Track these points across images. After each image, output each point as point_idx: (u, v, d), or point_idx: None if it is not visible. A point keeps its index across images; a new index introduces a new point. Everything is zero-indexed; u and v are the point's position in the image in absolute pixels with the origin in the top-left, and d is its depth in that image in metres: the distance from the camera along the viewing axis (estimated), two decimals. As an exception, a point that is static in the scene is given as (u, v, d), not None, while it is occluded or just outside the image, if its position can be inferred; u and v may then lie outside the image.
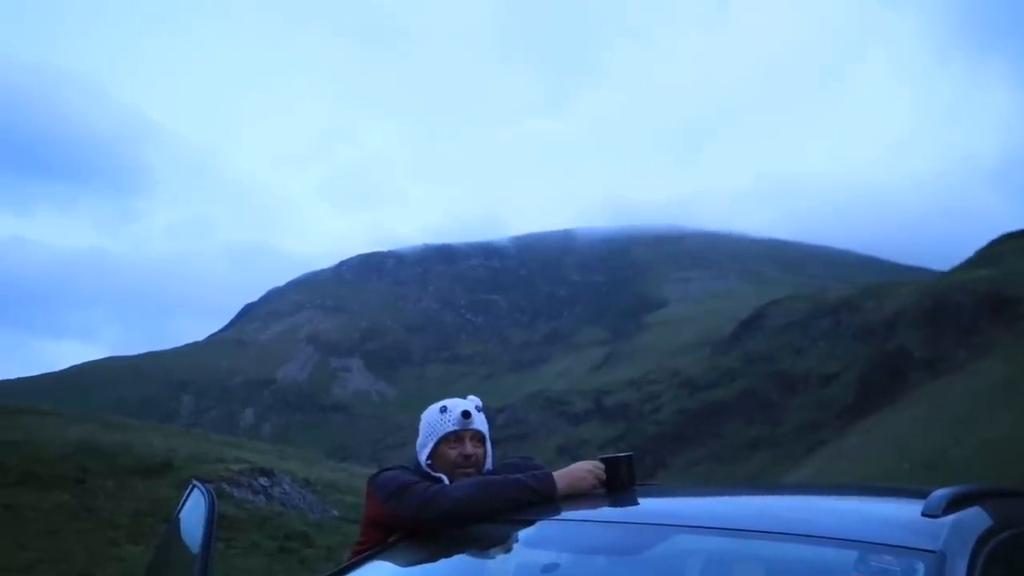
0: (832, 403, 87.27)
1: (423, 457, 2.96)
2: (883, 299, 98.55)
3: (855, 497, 2.69)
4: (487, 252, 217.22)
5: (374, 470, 3.18)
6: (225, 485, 14.08)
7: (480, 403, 3.09)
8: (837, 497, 2.68)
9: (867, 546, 1.86)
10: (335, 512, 15.32)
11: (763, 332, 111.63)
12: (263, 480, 15.12)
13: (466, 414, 2.96)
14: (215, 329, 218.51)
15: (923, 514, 1.97)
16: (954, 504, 2.01)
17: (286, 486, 15.43)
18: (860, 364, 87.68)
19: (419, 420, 3.10)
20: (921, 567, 1.77)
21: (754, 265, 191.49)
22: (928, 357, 77.79)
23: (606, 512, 2.48)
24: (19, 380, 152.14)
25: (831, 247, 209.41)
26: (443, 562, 2.50)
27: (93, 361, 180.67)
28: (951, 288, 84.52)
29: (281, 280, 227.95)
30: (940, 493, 2.05)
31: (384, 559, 2.56)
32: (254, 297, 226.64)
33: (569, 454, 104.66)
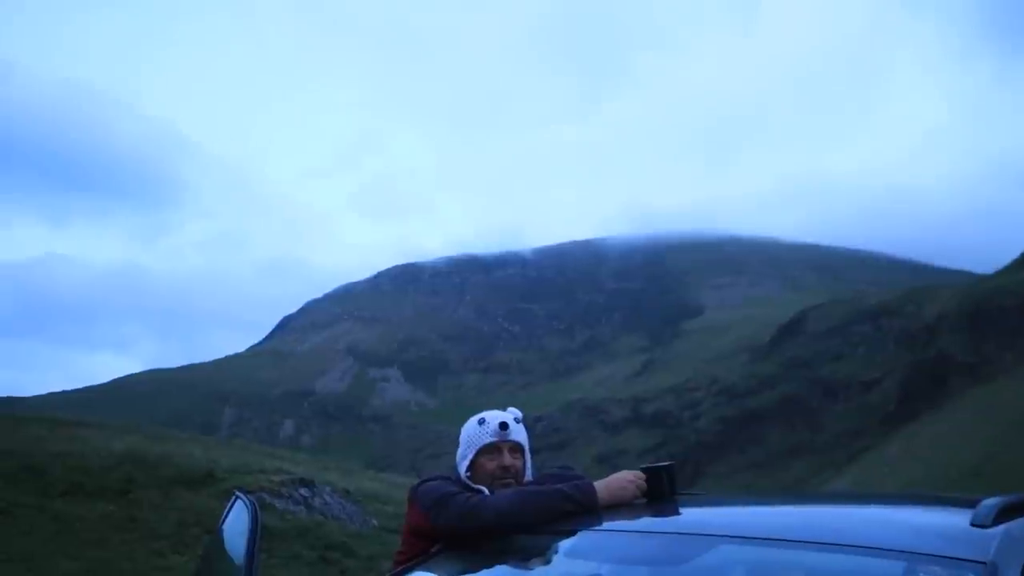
0: (873, 409, 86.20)
1: (463, 469, 2.98)
2: (923, 303, 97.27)
3: (901, 506, 2.65)
4: (523, 261, 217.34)
5: (413, 480, 3.20)
6: (266, 496, 14.19)
7: (520, 415, 3.09)
8: (882, 506, 2.63)
9: (915, 557, 1.82)
10: (375, 522, 15.37)
11: (802, 338, 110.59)
12: (304, 491, 15.22)
13: (503, 425, 2.97)
14: (248, 341, 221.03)
15: (972, 524, 1.92)
16: (1004, 514, 1.96)
17: (326, 497, 15.52)
18: (901, 370, 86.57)
19: (458, 431, 3.12)
20: None
21: (791, 270, 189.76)
22: (971, 362, 76.64)
23: (648, 522, 2.47)
24: (63, 393, 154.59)
25: (867, 250, 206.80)
26: (484, 573, 2.49)
27: (135, 374, 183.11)
28: (994, 291, 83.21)
29: (312, 292, 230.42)
30: (990, 503, 2.00)
31: (425, 570, 2.56)
32: (286, 309, 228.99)
33: (608, 463, 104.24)
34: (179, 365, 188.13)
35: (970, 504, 2.05)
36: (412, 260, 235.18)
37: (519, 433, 3.01)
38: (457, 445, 3.09)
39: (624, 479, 2.62)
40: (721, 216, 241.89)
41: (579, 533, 2.44)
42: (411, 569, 2.59)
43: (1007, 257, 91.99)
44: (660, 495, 2.58)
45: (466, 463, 2.97)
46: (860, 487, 63.04)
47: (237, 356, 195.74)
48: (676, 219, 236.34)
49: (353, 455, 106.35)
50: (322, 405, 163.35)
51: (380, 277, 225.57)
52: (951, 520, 2.10)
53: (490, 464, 2.93)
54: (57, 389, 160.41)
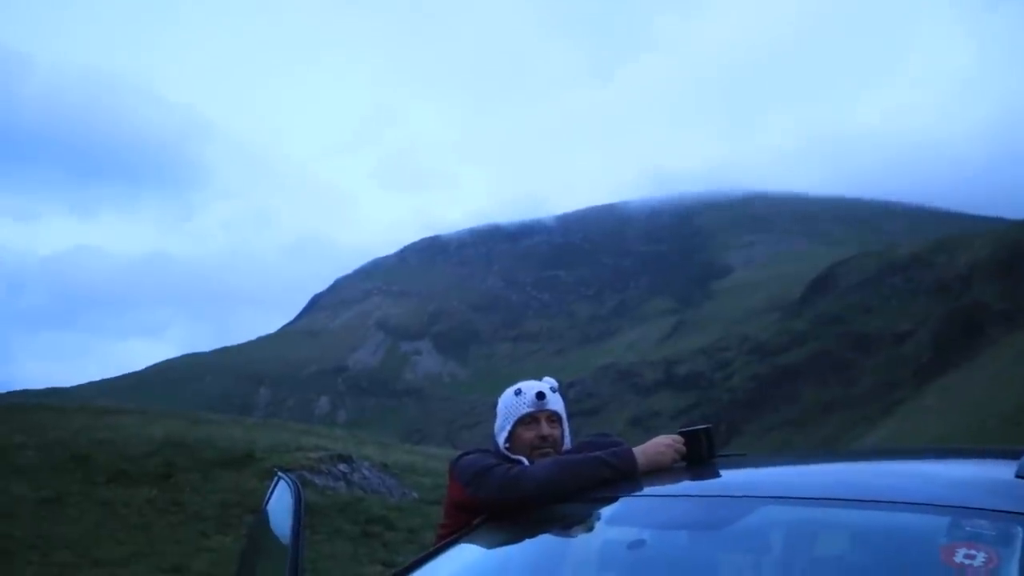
0: (907, 362, 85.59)
1: (501, 440, 2.99)
2: (955, 252, 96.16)
3: (943, 460, 2.61)
4: (548, 229, 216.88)
5: (449, 451, 3.23)
6: (306, 473, 14.34)
7: (556, 384, 3.10)
8: (923, 461, 2.60)
9: (959, 511, 1.80)
10: (415, 495, 15.50)
11: (833, 293, 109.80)
12: (343, 466, 15.37)
13: (540, 395, 2.98)
14: (279, 321, 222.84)
15: (1017, 475, 1.90)
16: None
17: (365, 471, 15.67)
18: (935, 321, 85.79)
19: (492, 400, 3.13)
20: (1020, 531, 1.70)
21: (819, 225, 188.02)
22: (1007, 309, 75.80)
23: (688, 486, 2.46)
24: (102, 382, 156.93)
25: (897, 201, 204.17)
26: (528, 543, 2.52)
27: (170, 359, 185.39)
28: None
29: (339, 269, 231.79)
30: None
31: (470, 542, 2.59)
32: (314, 287, 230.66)
33: (641, 426, 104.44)
34: (212, 348, 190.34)
35: (1014, 455, 2.03)
36: (436, 232, 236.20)
37: (556, 402, 3.02)
38: (491, 414, 3.11)
39: (662, 443, 2.61)
40: (745, 174, 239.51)
41: (620, 499, 2.44)
42: (454, 542, 2.61)
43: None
44: (699, 458, 2.57)
45: (504, 434, 2.99)
46: (896, 440, 62.76)
47: (269, 336, 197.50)
48: (699, 179, 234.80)
49: (388, 429, 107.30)
50: (355, 381, 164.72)
51: (407, 251, 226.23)
52: (995, 472, 2.07)
53: (528, 434, 2.94)
54: (96, 378, 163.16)
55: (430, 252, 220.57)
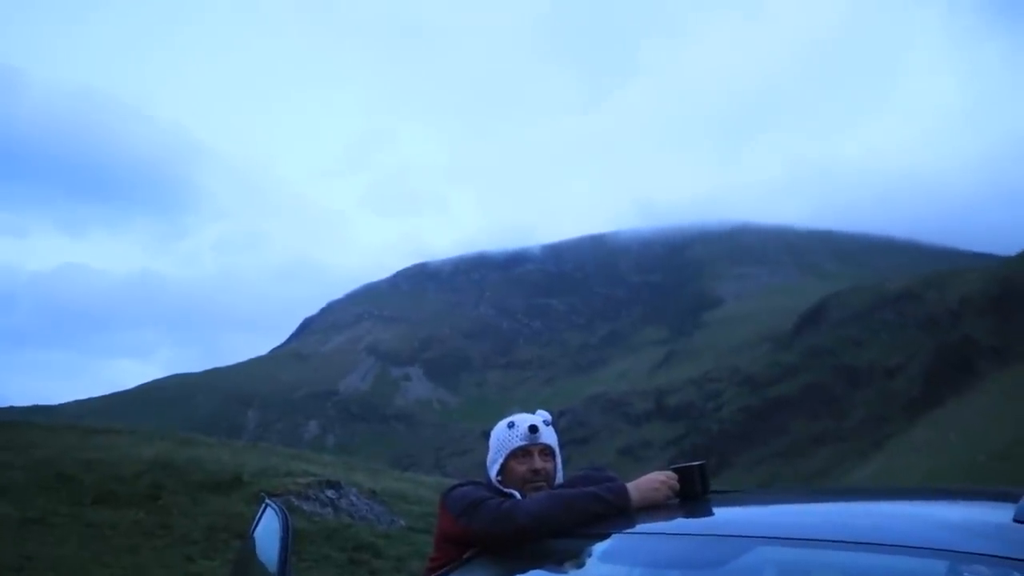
0: (898, 396, 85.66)
1: (493, 473, 2.97)
2: (946, 288, 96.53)
3: (940, 501, 2.58)
4: (538, 257, 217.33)
5: (439, 478, 3.21)
6: (293, 499, 14.25)
7: (549, 417, 3.08)
8: (920, 502, 2.57)
9: (958, 556, 1.77)
10: (402, 522, 15.40)
11: (824, 326, 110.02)
12: (330, 492, 15.27)
13: (533, 428, 2.95)
14: (269, 344, 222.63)
15: (1015, 520, 1.87)
16: None
17: (353, 498, 15.56)
18: (925, 355, 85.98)
19: (482, 428, 3.12)
20: None
21: (809, 257, 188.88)
22: (997, 345, 76.02)
23: (681, 524, 2.44)
24: (90, 400, 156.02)
25: (886, 236, 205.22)
26: None
27: (159, 379, 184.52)
28: (1020, 273, 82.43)
29: (328, 292, 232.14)
30: None
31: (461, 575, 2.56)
32: (304, 310, 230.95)
33: (631, 455, 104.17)
34: (202, 369, 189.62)
35: (1012, 498, 2.00)
36: (425, 257, 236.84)
37: (549, 436, 3.00)
38: (481, 443, 3.09)
39: (656, 479, 2.59)
40: (734, 205, 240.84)
41: (612, 536, 2.41)
42: (445, 575, 2.59)
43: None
44: (693, 494, 2.55)
45: (496, 467, 2.96)
46: (886, 474, 62.66)
47: (259, 359, 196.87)
48: (688, 210, 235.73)
49: (377, 454, 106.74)
50: (345, 405, 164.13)
51: (399, 276, 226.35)
52: (993, 516, 2.03)
53: (521, 468, 2.92)
54: (83, 396, 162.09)
55: (421, 278, 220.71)
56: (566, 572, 2.47)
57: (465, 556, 2.68)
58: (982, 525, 2.03)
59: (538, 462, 2.93)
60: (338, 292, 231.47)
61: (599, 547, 2.41)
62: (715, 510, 2.48)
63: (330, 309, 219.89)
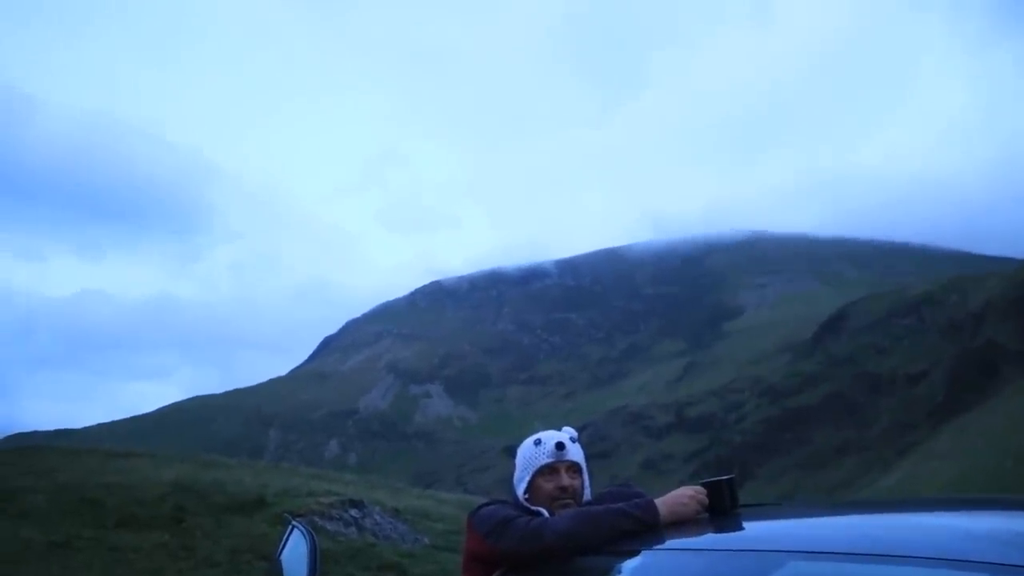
0: (921, 403, 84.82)
1: (520, 491, 2.94)
2: (967, 292, 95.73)
3: (975, 511, 2.51)
4: (554, 272, 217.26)
5: (461, 496, 3.18)
6: (317, 519, 14.24)
7: (575, 434, 3.06)
8: (956, 512, 2.51)
9: (1000, 568, 1.70)
10: (426, 540, 15.35)
11: (844, 334, 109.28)
12: (354, 512, 15.25)
13: (560, 445, 2.93)
14: (288, 364, 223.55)
15: None
16: None
17: (376, 517, 15.54)
18: (948, 361, 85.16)
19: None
20: None
21: (827, 265, 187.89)
22: (1021, 349, 75.19)
23: (711, 539, 2.40)
24: (112, 423, 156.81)
25: (903, 241, 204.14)
26: None
27: (180, 401, 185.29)
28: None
29: (345, 312, 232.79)
30: None
31: (489, 596, 2.54)
32: (323, 330, 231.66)
33: (653, 469, 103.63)
34: (222, 391, 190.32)
35: None
36: (439, 275, 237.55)
37: (576, 452, 2.97)
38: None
39: (684, 494, 2.57)
40: (749, 214, 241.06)
41: (642, 553, 2.37)
42: (474, 596, 2.57)
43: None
44: (722, 509, 2.53)
45: (524, 485, 2.94)
46: (911, 483, 62.02)
47: (279, 379, 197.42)
48: (702, 221, 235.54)
49: (398, 472, 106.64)
50: (366, 424, 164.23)
51: (416, 294, 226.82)
52: None
53: (548, 485, 2.89)
54: (105, 420, 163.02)
55: (439, 295, 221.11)
56: (597, 590, 2.45)
57: (495, 575, 2.67)
58: (1019, 535, 1.99)
59: (565, 479, 2.90)
60: (355, 311, 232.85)
61: (629, 564, 2.37)
62: (745, 524, 2.44)
63: (349, 328, 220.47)
